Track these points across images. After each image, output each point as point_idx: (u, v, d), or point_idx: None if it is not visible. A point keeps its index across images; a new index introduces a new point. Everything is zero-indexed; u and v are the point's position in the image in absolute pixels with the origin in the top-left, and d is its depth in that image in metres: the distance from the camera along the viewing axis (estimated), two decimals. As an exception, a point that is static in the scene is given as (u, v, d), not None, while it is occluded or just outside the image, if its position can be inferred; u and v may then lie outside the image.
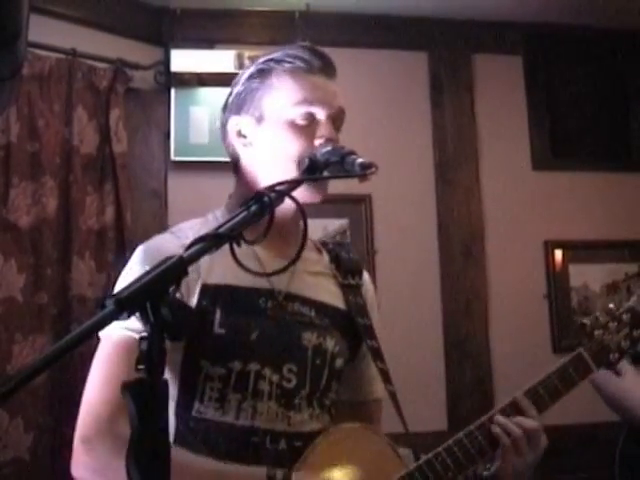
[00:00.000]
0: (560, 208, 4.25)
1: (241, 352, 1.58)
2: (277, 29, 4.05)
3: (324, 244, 1.86)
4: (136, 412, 0.97)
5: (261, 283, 1.61)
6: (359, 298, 1.79)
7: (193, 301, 1.58)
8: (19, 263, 3.26)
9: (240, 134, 1.70)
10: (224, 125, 1.74)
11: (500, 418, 1.69)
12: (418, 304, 4.00)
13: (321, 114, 1.62)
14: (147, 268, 1.54)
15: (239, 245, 1.19)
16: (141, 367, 0.99)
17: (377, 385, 1.82)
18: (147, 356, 0.99)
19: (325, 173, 1.49)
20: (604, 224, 4.25)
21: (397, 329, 3.84)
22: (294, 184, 1.35)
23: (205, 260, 1.57)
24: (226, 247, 1.46)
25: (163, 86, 3.88)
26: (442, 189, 4.16)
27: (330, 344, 1.67)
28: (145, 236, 3.98)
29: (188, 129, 3.84)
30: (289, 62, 1.66)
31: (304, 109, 1.61)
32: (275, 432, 1.57)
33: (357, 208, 3.99)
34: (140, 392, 0.97)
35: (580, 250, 4.21)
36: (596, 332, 1.87)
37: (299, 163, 1.57)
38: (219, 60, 3.90)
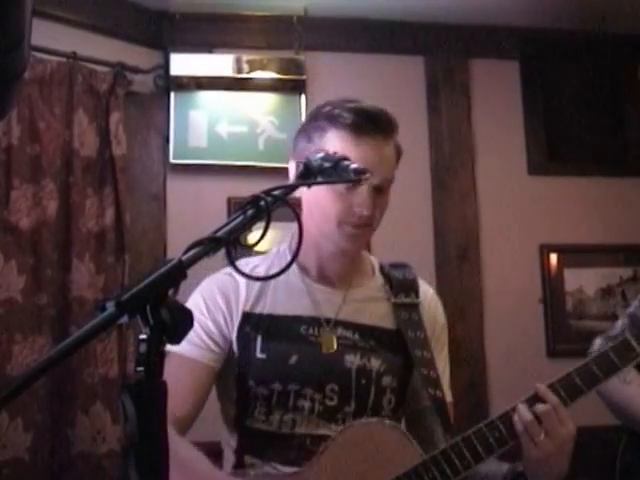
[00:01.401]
0: (556, 212, 4.24)
1: (280, 375, 1.71)
2: (275, 33, 4.07)
3: (381, 268, 1.94)
4: (135, 413, 0.98)
5: (305, 312, 1.75)
6: (414, 314, 1.84)
7: (234, 327, 1.75)
8: (19, 264, 3.28)
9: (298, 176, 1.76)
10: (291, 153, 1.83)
11: (521, 405, 1.66)
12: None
13: (364, 183, 1.64)
14: (201, 300, 1.79)
15: (235, 249, 1.20)
16: (140, 369, 1.00)
17: (422, 393, 1.83)
18: (146, 358, 1.00)
19: (319, 178, 1.52)
20: (599, 228, 4.24)
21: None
22: (289, 189, 1.37)
23: (253, 290, 1.74)
24: (278, 279, 1.48)
25: (162, 90, 3.88)
26: (438, 193, 4.16)
27: (375, 364, 1.76)
28: (144, 238, 4.01)
29: (187, 132, 3.85)
30: (340, 126, 1.72)
31: None
32: (315, 435, 1.69)
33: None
34: (139, 393, 0.99)
35: (575, 254, 4.20)
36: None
37: (337, 224, 1.69)
38: (218, 64, 3.92)
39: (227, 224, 1.20)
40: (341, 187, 1.68)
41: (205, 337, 1.75)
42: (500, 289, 4.12)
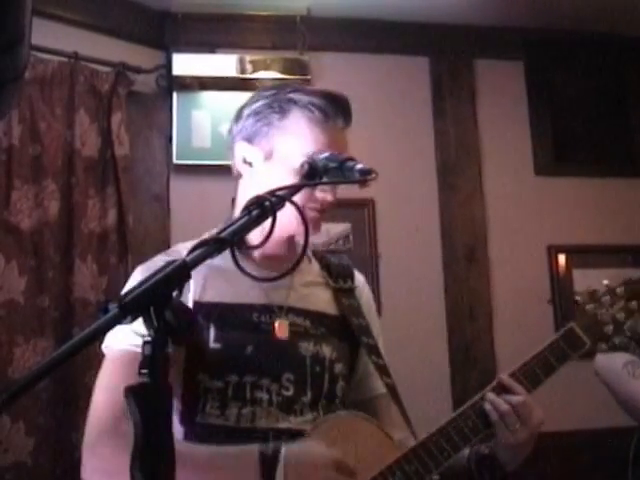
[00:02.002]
0: (563, 213, 4.24)
1: (237, 366, 1.63)
2: (278, 33, 4.06)
3: (314, 253, 1.90)
4: (140, 417, 0.97)
5: (257, 299, 1.68)
6: (352, 300, 1.84)
7: None
8: (21, 266, 3.26)
9: (246, 161, 1.73)
10: (232, 138, 1.78)
11: (490, 394, 1.73)
12: (422, 309, 3.99)
13: None
14: None
15: (240, 250, 1.20)
16: (144, 371, 0.99)
17: (378, 381, 1.84)
18: (150, 360, 0.99)
19: (324, 179, 1.50)
20: (607, 229, 4.24)
21: (401, 334, 3.84)
22: (295, 189, 1.36)
23: (198, 278, 1.65)
24: (219, 266, 1.52)
25: (165, 90, 3.88)
26: (445, 194, 4.16)
27: (327, 351, 1.72)
28: (147, 239, 3.99)
29: (190, 133, 3.84)
30: (310, 110, 1.69)
31: None
32: (278, 429, 1.62)
33: (360, 212, 3.98)
34: (144, 396, 0.97)
35: (583, 255, 4.19)
36: (588, 306, 1.92)
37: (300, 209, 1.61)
38: (221, 64, 3.91)
39: (231, 225, 1.20)
40: (305, 172, 1.64)
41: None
42: (509, 290, 4.11)
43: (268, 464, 1.49)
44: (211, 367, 1.63)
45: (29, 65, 3.22)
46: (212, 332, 1.64)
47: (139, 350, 1.52)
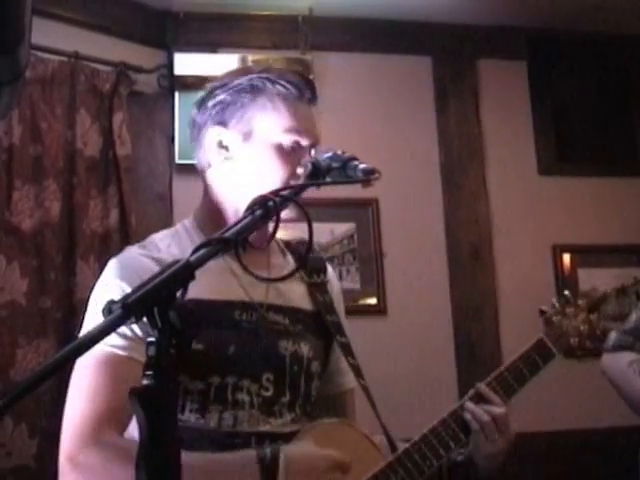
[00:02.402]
0: (567, 213, 4.25)
1: (219, 367, 1.59)
2: (280, 33, 4.06)
3: (287, 245, 1.88)
4: (145, 419, 0.96)
5: (237, 296, 1.64)
6: (326, 295, 1.82)
7: None
8: (22, 267, 3.25)
9: (221, 145, 1.71)
10: (199, 127, 1.75)
11: (470, 404, 1.75)
12: (427, 307, 3.98)
13: (306, 142, 1.67)
14: (123, 283, 1.59)
15: (244, 250, 1.19)
16: (149, 373, 0.98)
17: (349, 376, 1.84)
18: (155, 361, 0.98)
19: (328, 179, 1.49)
20: (612, 228, 4.24)
21: (407, 333, 3.84)
22: (298, 189, 1.36)
23: None
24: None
25: (167, 89, 3.87)
26: (449, 193, 4.16)
27: (305, 349, 1.70)
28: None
29: (192, 133, 3.83)
30: (284, 87, 1.69)
31: (294, 137, 1.66)
32: (259, 433, 1.58)
33: (364, 212, 3.98)
34: (148, 398, 0.96)
35: (588, 254, 4.20)
36: (554, 318, 1.95)
37: (281, 184, 1.61)
38: (223, 64, 3.89)
39: (235, 224, 1.19)
40: (287, 147, 1.66)
41: (137, 328, 1.52)
42: (514, 290, 4.11)
43: (268, 469, 1.47)
44: (192, 368, 1.57)
45: (29, 65, 3.21)
46: None
47: (119, 352, 1.51)
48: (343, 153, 1.49)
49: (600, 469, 3.73)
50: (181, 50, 3.87)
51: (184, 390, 1.57)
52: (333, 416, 1.79)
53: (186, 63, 3.84)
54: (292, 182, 1.60)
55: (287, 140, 1.66)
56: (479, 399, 1.77)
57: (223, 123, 1.71)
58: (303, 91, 1.71)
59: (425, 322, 3.94)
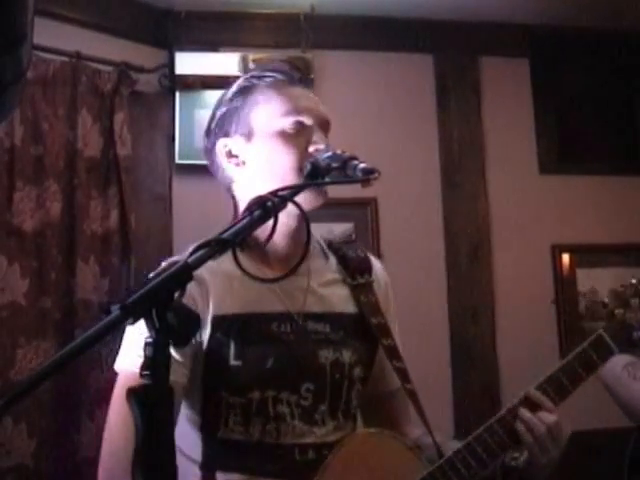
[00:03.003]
0: (567, 212, 4.24)
1: (258, 382, 1.60)
2: (282, 32, 4.05)
3: (330, 245, 1.86)
4: (141, 419, 0.96)
5: (274, 308, 1.63)
6: (371, 296, 1.79)
7: (206, 333, 1.61)
8: (23, 267, 3.25)
9: (231, 154, 1.72)
10: (210, 150, 1.76)
11: (526, 413, 1.66)
12: (424, 308, 3.97)
13: (309, 121, 1.65)
14: None
15: (242, 251, 1.19)
16: (146, 373, 0.99)
17: (392, 378, 1.83)
18: (152, 362, 0.99)
19: (327, 178, 1.50)
20: (612, 228, 4.23)
21: (403, 333, 3.81)
22: (297, 189, 1.36)
23: (217, 291, 1.61)
24: (235, 277, 1.52)
25: (167, 89, 3.87)
26: (448, 192, 4.15)
27: (347, 356, 1.69)
28: (150, 240, 3.98)
29: (193, 132, 3.82)
30: (270, 76, 1.70)
31: (293, 118, 1.65)
32: (303, 444, 1.60)
33: (363, 211, 3.97)
34: (145, 398, 0.97)
35: (588, 254, 4.18)
36: (617, 311, 1.85)
37: (298, 170, 1.59)
38: (223, 63, 3.89)
39: (233, 225, 1.20)
40: (290, 130, 1.64)
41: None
42: (512, 289, 4.11)
43: None
44: (232, 384, 1.60)
45: (31, 65, 3.21)
46: (232, 349, 1.60)
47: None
48: (343, 152, 1.49)
49: (586, 470, 3.72)
50: (182, 49, 3.86)
51: (227, 404, 1.60)
52: (379, 419, 1.79)
53: (187, 62, 3.84)
54: (308, 162, 1.57)
55: (288, 123, 1.64)
56: (529, 405, 1.67)
57: (226, 133, 1.72)
58: (291, 75, 1.71)
59: (421, 323, 3.92)
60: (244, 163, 1.69)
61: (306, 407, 1.62)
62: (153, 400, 0.97)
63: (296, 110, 1.65)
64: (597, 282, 4.13)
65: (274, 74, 1.70)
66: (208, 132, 1.78)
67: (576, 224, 4.22)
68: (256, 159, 1.68)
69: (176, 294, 1.02)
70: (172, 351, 1.45)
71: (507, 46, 4.34)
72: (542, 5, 4.08)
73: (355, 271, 1.80)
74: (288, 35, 4.01)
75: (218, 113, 1.74)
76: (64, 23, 3.55)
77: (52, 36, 3.41)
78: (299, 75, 1.73)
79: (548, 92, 4.35)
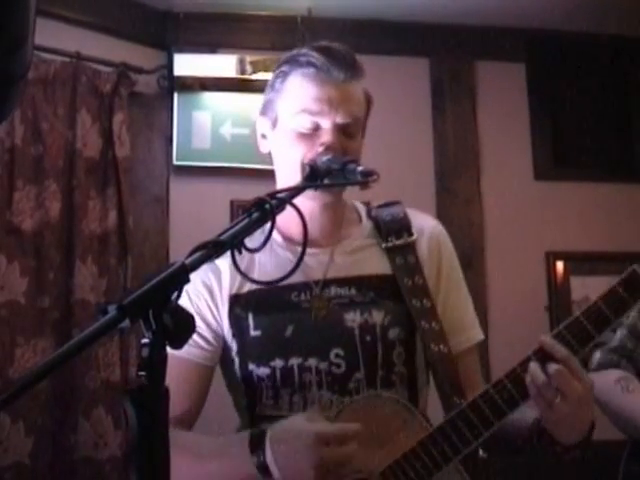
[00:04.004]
0: (562, 219, 4.20)
1: (279, 349, 1.61)
2: (279, 34, 4.05)
3: (368, 212, 1.82)
4: (136, 418, 0.97)
5: (294, 278, 1.50)
6: (409, 257, 1.71)
7: (224, 311, 1.65)
8: (22, 266, 3.27)
9: (263, 136, 1.73)
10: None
11: (532, 364, 1.49)
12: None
13: (326, 123, 1.61)
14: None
15: (240, 252, 1.20)
16: (142, 373, 0.99)
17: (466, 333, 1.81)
18: (148, 363, 0.99)
19: (326, 180, 1.49)
20: (606, 236, 4.19)
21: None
22: (295, 191, 1.36)
23: (233, 271, 1.59)
24: (263, 253, 1.56)
25: (166, 90, 3.87)
26: (442, 198, 4.14)
27: (378, 317, 1.63)
28: (147, 241, 3.98)
29: (190, 134, 3.83)
30: (303, 66, 1.64)
31: (306, 118, 1.61)
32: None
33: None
34: (141, 398, 0.98)
35: (582, 262, 4.15)
36: None
37: (301, 169, 1.58)
38: (221, 65, 3.90)
39: (231, 227, 1.20)
40: (303, 129, 1.61)
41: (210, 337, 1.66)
42: (505, 296, 4.07)
43: (256, 443, 1.47)
44: (255, 354, 1.62)
45: (32, 65, 3.22)
46: (251, 320, 1.63)
47: (191, 358, 1.63)
48: (343, 155, 1.51)
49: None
50: (181, 50, 3.87)
51: (257, 378, 1.62)
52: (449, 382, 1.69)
53: (185, 63, 3.85)
54: (307, 164, 1.55)
55: (301, 122, 1.61)
56: (543, 355, 1.48)
57: (262, 112, 1.72)
58: (324, 68, 1.62)
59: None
60: (270, 147, 1.71)
61: (338, 375, 1.59)
62: (149, 401, 0.98)
63: (310, 111, 1.61)
64: (591, 290, 4.08)
65: (307, 65, 1.63)
66: (266, 87, 1.75)
67: (571, 231, 4.19)
68: (275, 147, 1.69)
69: (173, 295, 1.03)
70: (194, 336, 1.46)
71: (503, 51, 4.33)
72: (538, 10, 4.07)
73: (388, 233, 1.74)
74: (285, 37, 4.01)
75: (268, 88, 1.72)
76: (64, 24, 3.57)
77: (53, 36, 3.42)
78: (335, 66, 1.63)
79: (544, 97, 4.34)
